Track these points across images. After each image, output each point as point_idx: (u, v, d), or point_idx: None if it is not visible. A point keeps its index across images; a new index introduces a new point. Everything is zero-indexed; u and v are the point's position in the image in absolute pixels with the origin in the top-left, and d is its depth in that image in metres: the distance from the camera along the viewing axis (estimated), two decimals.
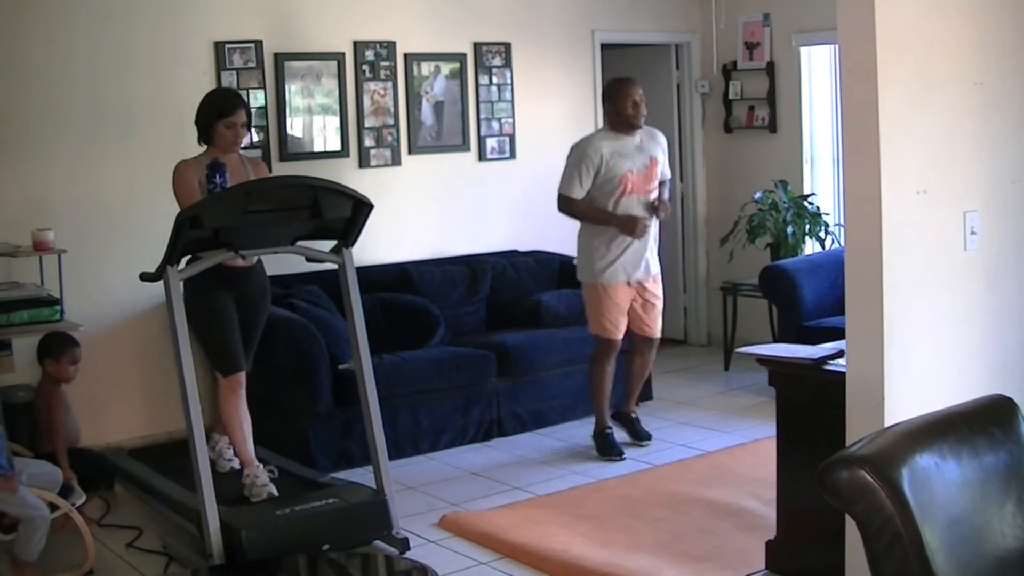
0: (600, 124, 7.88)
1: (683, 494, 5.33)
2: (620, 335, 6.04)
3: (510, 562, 4.66)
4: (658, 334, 6.24)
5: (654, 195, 6.00)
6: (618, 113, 5.93)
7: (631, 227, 5.85)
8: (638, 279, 6.00)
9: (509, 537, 4.84)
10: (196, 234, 4.44)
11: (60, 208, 5.95)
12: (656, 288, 6.12)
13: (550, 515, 5.13)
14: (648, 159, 5.97)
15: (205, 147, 5.00)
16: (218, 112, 4.93)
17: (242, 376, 4.99)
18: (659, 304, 6.15)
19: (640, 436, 6.28)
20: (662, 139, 6.15)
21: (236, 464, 5.03)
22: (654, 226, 6.03)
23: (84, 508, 4.87)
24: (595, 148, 5.89)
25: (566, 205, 5.98)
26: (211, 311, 4.87)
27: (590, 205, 5.92)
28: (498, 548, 4.78)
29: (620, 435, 6.22)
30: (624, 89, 5.95)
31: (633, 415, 6.36)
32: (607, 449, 6.05)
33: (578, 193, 5.90)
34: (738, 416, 6.70)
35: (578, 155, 5.93)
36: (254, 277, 5.08)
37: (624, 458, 5.99)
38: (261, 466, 4.96)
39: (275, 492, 4.86)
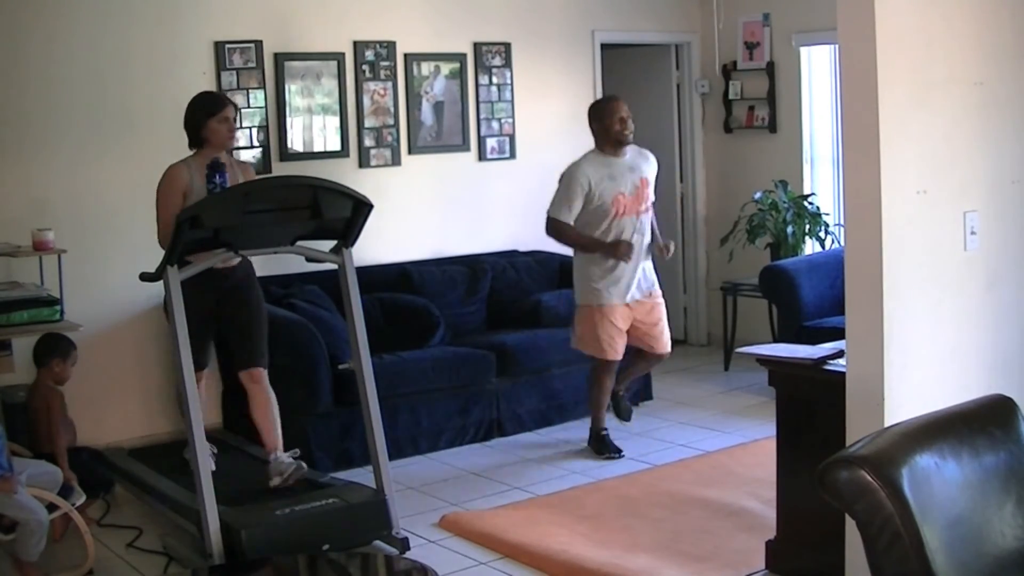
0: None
1: (683, 494, 5.33)
2: (619, 356, 6.03)
3: (510, 562, 4.66)
4: (667, 349, 6.20)
5: (647, 216, 5.98)
6: (606, 131, 5.89)
7: (617, 251, 5.82)
8: (636, 299, 5.97)
9: (509, 537, 4.85)
10: (196, 234, 4.44)
11: (60, 208, 5.95)
12: (657, 306, 6.07)
13: (550, 515, 5.13)
14: (639, 179, 5.93)
15: (195, 151, 5.03)
16: (208, 111, 4.98)
17: (202, 374, 5.06)
18: (663, 321, 6.11)
19: (622, 414, 6.34)
20: (653, 160, 6.12)
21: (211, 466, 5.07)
22: (645, 243, 5.98)
23: (84, 508, 4.87)
24: (584, 174, 5.84)
25: (554, 229, 5.94)
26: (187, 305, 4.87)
27: (580, 231, 5.88)
28: (498, 548, 4.78)
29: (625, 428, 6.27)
30: (609, 107, 5.92)
31: (620, 393, 6.38)
32: (604, 448, 6.06)
33: (567, 217, 5.86)
34: (738, 416, 6.70)
35: (568, 180, 5.89)
36: (236, 272, 5.08)
37: (623, 455, 6.01)
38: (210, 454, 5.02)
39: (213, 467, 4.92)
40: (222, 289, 5.04)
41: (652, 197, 6.07)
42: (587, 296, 5.97)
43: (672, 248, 6.10)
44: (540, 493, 5.50)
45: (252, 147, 6.53)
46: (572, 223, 5.87)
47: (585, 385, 6.33)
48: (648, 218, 6.00)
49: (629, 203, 5.87)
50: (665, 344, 6.16)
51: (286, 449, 5.08)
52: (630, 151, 5.96)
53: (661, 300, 6.12)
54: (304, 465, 5.00)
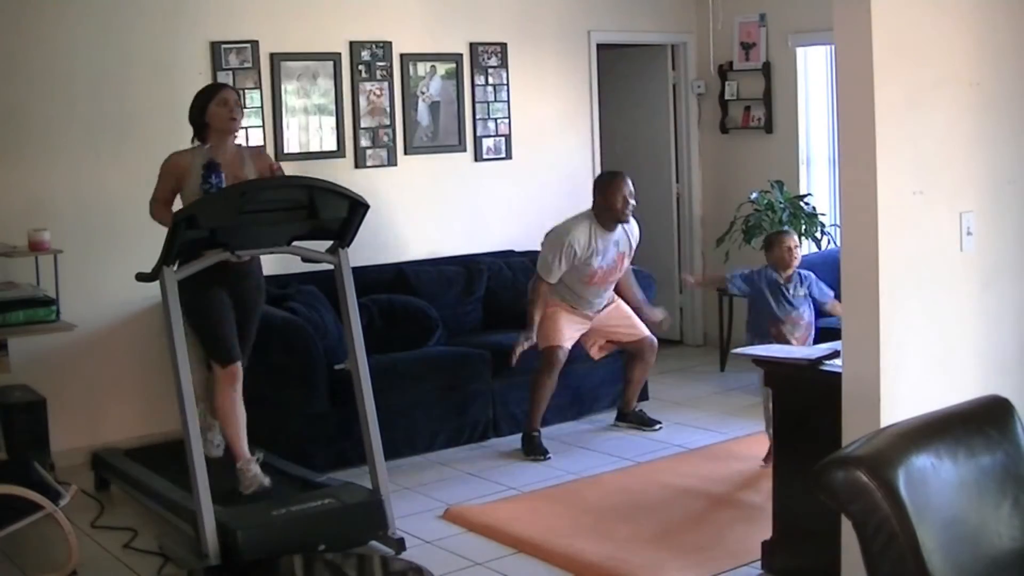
0: (595, 128, 7.93)
1: (683, 486, 5.41)
2: (566, 344, 6.11)
3: (513, 555, 4.68)
4: (647, 333, 6.34)
5: (612, 283, 6.22)
6: (608, 207, 6.03)
7: (522, 337, 6.03)
8: (587, 313, 6.20)
9: (512, 530, 4.89)
10: (192, 234, 4.44)
11: (56, 208, 5.94)
12: (617, 305, 6.31)
13: (552, 507, 5.18)
14: (619, 255, 6.13)
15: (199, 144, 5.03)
16: (207, 96, 4.99)
17: (239, 367, 5.01)
18: (630, 315, 6.32)
19: (649, 423, 6.47)
20: (637, 232, 6.28)
21: (222, 451, 5.11)
22: (606, 299, 6.24)
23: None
24: (573, 245, 5.98)
25: (534, 288, 6.08)
26: (207, 303, 4.88)
27: (538, 302, 6.05)
28: (501, 540, 4.82)
29: (629, 433, 6.38)
30: (615, 183, 6.07)
31: (637, 410, 6.52)
32: (533, 450, 6.10)
33: (553, 278, 6.03)
34: (735, 416, 6.70)
35: (558, 244, 6.02)
36: (250, 273, 5.09)
37: (549, 457, 6.03)
38: (253, 459, 5.01)
39: (267, 482, 4.91)
40: (241, 286, 5.04)
41: (627, 264, 6.31)
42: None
43: (663, 318, 6.46)
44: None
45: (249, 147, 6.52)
46: (556, 280, 6.05)
47: (582, 384, 6.34)
48: (613, 284, 6.26)
49: (604, 274, 6.10)
50: (642, 328, 6.33)
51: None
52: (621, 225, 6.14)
53: (619, 300, 6.34)
54: (267, 482, 5.00)
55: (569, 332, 6.11)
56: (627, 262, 6.23)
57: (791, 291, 5.72)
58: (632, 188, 6.06)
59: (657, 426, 6.43)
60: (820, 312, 5.85)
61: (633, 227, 6.22)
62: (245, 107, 6.45)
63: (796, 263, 5.74)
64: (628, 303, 6.41)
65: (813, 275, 5.83)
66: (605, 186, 6.08)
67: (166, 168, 4.96)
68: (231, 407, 4.98)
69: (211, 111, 4.94)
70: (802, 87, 8.00)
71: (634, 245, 6.25)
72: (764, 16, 8.07)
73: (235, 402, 4.99)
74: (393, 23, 7.10)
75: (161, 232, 4.54)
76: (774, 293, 5.70)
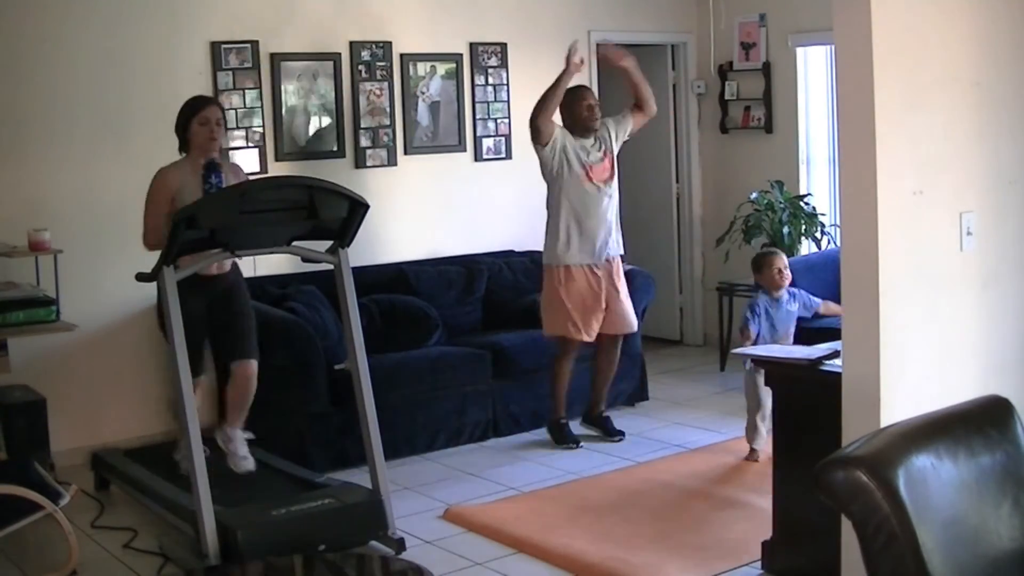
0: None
1: (682, 486, 5.41)
2: (583, 336, 6.09)
3: (513, 555, 4.68)
4: (626, 330, 6.30)
5: (614, 184, 6.15)
6: (574, 118, 6.06)
7: (568, 61, 5.98)
8: (604, 259, 6.08)
9: (512, 530, 4.89)
10: (192, 234, 4.44)
11: (56, 208, 5.95)
12: (618, 279, 6.19)
13: (552, 507, 5.18)
14: (603, 149, 6.10)
15: (184, 155, 5.09)
16: (190, 111, 5.04)
17: (200, 379, 5.13)
18: (623, 296, 6.22)
19: (612, 433, 6.34)
20: (611, 122, 6.21)
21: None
22: (614, 208, 6.12)
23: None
24: (561, 134, 6.03)
25: (535, 110, 6.02)
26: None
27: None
28: (501, 540, 4.83)
29: (593, 441, 6.32)
30: (577, 95, 6.10)
31: (604, 414, 6.42)
32: (563, 438, 6.15)
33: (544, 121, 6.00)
34: (734, 416, 6.68)
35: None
36: (228, 277, 5.16)
37: (581, 446, 6.08)
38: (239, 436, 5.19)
39: (252, 467, 5.12)
40: (214, 294, 5.08)
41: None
42: (552, 254, 6.12)
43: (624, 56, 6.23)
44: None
45: (248, 147, 6.53)
46: (550, 127, 6.02)
47: (581, 384, 6.33)
48: (616, 184, 6.17)
49: (599, 170, 6.06)
50: (625, 324, 6.25)
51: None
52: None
53: (622, 276, 6.24)
54: (252, 463, 5.13)
55: (587, 318, 6.07)
56: (614, 152, 6.18)
57: (783, 307, 5.81)
58: (596, 97, 6.10)
59: (617, 437, 6.29)
60: (816, 316, 5.88)
61: (607, 122, 6.19)
62: (245, 106, 6.48)
63: (787, 283, 5.78)
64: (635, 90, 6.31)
65: (798, 288, 5.93)
66: (568, 100, 6.09)
67: (157, 192, 4.98)
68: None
69: (192, 128, 5.01)
70: (802, 87, 8.00)
71: (614, 128, 6.19)
72: (764, 16, 8.07)
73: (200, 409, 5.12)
74: (393, 23, 7.10)
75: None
76: (770, 317, 5.79)
